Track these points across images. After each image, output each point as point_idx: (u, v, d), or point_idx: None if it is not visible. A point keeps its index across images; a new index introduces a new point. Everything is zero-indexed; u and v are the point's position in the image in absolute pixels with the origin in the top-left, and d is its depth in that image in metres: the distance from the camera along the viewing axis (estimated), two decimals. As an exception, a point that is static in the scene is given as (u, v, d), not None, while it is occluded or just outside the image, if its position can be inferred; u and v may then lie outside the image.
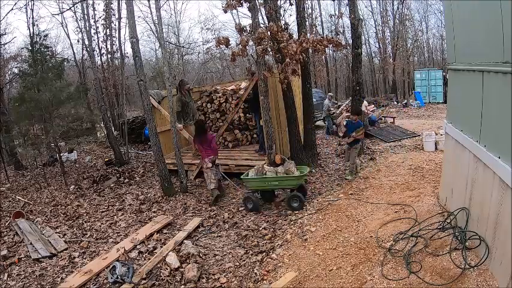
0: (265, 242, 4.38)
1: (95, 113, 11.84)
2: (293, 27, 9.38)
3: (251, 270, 3.81)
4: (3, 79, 11.84)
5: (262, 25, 6.49)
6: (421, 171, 6.15)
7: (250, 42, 6.09)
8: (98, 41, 14.55)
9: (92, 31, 13.02)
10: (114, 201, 6.55)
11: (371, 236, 3.94)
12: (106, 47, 14.92)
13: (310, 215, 4.90)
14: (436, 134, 7.88)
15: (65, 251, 4.59)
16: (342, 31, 18.07)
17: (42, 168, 9.42)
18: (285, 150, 7.46)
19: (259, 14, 7.11)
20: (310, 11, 19.01)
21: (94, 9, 14.25)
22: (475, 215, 3.25)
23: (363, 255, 3.61)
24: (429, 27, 25.60)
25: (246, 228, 4.83)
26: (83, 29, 12.32)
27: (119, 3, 14.30)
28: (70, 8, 12.47)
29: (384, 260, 3.39)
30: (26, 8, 12.10)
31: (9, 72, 13.75)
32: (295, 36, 6.75)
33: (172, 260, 3.94)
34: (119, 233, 5.07)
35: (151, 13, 15.91)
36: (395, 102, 18.49)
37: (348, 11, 8.15)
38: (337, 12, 18.30)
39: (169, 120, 6.90)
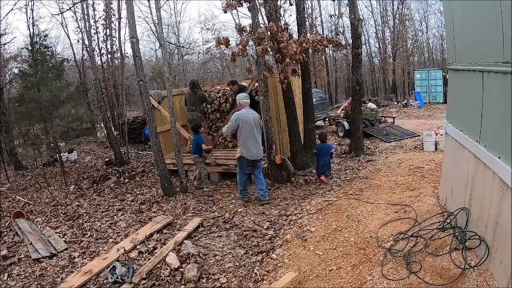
0: (265, 242, 4.38)
1: (95, 113, 11.83)
2: (293, 27, 9.39)
3: (251, 270, 3.81)
4: (3, 79, 11.83)
5: (262, 25, 6.50)
6: (421, 171, 6.15)
7: (250, 42, 6.09)
8: (98, 41, 14.59)
9: (92, 31, 13.06)
10: (114, 201, 6.55)
11: (371, 236, 3.94)
12: (106, 47, 14.95)
13: (310, 215, 4.90)
14: (436, 134, 7.88)
15: (65, 251, 4.58)
16: (342, 31, 18.13)
17: (42, 168, 9.42)
18: (285, 150, 7.46)
19: (259, 14, 7.11)
20: (310, 11, 19.04)
21: (94, 9, 14.30)
22: (475, 215, 3.24)
23: (363, 255, 3.61)
24: (429, 27, 25.74)
25: (246, 228, 4.83)
26: (83, 29, 12.36)
27: (119, 3, 14.33)
28: (70, 8, 12.50)
29: (384, 260, 3.39)
30: (26, 8, 12.13)
31: (9, 72, 13.74)
32: (295, 36, 6.75)
33: (172, 260, 3.93)
34: (118, 233, 5.06)
35: (151, 13, 16.02)
36: (395, 102, 18.52)
37: (348, 11, 8.17)
38: (337, 12, 18.39)
39: (169, 120, 6.90)
